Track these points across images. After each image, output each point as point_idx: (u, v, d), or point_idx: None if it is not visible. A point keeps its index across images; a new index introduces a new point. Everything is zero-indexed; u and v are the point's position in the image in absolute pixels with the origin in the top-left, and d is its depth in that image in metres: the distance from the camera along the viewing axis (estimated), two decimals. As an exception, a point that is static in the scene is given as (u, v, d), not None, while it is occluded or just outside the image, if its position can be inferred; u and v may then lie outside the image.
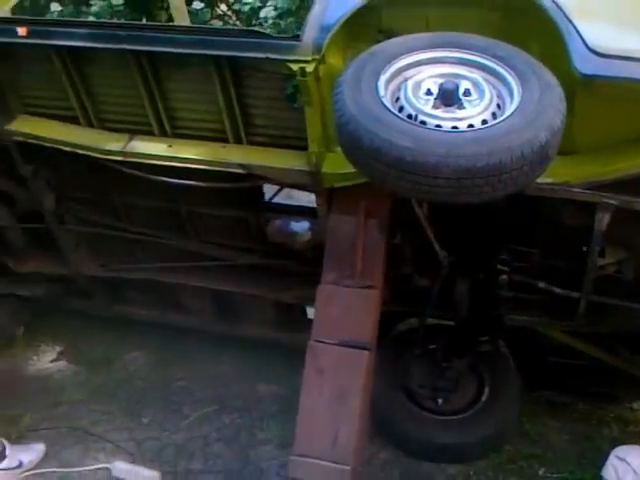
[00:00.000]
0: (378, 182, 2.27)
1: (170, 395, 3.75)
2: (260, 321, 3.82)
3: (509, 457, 3.34)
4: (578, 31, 2.34)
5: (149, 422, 3.55)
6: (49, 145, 3.15)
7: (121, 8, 7.34)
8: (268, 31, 8.21)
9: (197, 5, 7.71)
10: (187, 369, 3.92)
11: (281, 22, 8.39)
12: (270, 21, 8.42)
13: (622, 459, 2.62)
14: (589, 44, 2.32)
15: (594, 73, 2.31)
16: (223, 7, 8.72)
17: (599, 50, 2.31)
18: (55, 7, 6.48)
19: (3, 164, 3.40)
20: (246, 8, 8.52)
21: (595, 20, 2.42)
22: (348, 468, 2.72)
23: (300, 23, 8.44)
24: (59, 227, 3.61)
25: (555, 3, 2.37)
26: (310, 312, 3.64)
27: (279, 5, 7.83)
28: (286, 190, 3.20)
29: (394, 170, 2.11)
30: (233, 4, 8.78)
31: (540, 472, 3.26)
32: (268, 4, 7.99)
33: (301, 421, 2.81)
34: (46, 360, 4.08)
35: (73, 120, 3.18)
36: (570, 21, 2.34)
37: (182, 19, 5.07)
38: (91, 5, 6.86)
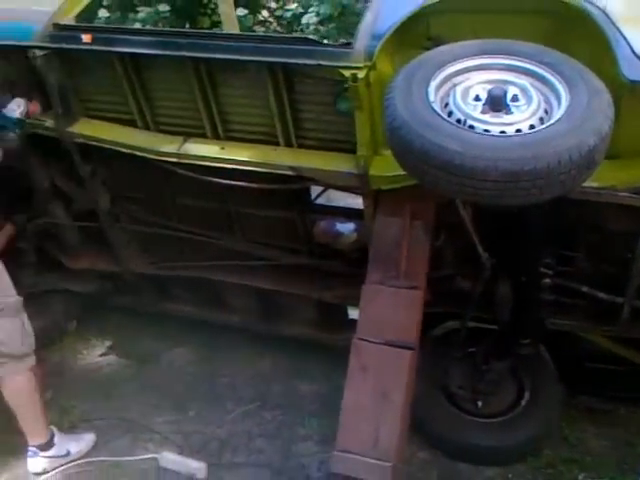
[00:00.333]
0: (427, 184, 2.33)
1: (214, 390, 3.83)
2: (302, 321, 3.89)
3: (548, 461, 3.34)
4: (625, 38, 2.39)
5: (195, 415, 3.64)
6: (108, 147, 3.28)
7: (167, 14, 7.53)
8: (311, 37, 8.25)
9: (241, 12, 7.89)
10: (230, 366, 4.00)
11: (321, 28, 8.49)
12: (311, 27, 8.53)
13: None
14: (636, 50, 2.37)
15: (640, 79, 2.36)
16: (265, 13, 8.86)
17: (646, 57, 2.36)
18: (103, 13, 6.68)
19: (63, 165, 3.56)
20: (288, 14, 8.64)
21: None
22: (389, 465, 2.77)
23: (341, 29, 8.53)
24: (113, 226, 3.74)
25: (602, 10, 2.42)
26: (351, 313, 3.73)
27: (321, 11, 7.95)
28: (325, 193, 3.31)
29: (443, 173, 2.18)
30: (275, 10, 8.93)
31: (580, 477, 3.25)
32: (310, 10, 8.12)
33: (344, 417, 2.86)
34: (95, 354, 4.20)
35: (130, 123, 3.32)
36: (617, 28, 2.39)
37: (231, 25, 5.21)
38: (138, 11, 7.05)
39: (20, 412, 3.14)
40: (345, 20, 8.29)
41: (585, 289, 3.05)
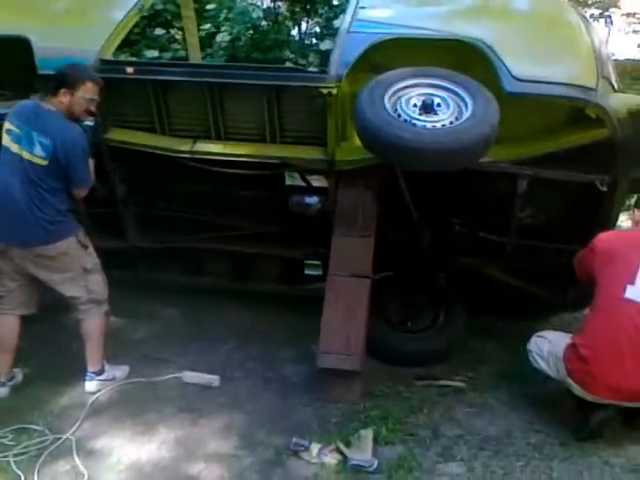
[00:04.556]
0: (386, 160, 3.60)
1: (206, 336, 4.84)
2: (269, 278, 5.04)
3: (459, 361, 4.63)
4: (505, 65, 3.65)
5: (196, 351, 4.63)
6: (136, 148, 4.22)
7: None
8: (221, 53, 9.37)
9: (158, 31, 8.78)
10: (213, 319, 5.05)
11: (231, 45, 9.37)
12: (224, 44, 9.45)
13: (540, 335, 3.91)
14: (512, 73, 3.63)
15: (515, 91, 3.63)
16: (180, 33, 9.67)
17: (518, 76, 3.62)
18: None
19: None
20: (202, 34, 9.55)
21: (515, 57, 3.70)
22: (357, 357, 3.97)
23: (252, 47, 9.52)
24: (123, 210, 4.68)
25: (490, 48, 3.70)
26: (307, 270, 4.96)
27: (234, 31, 8.91)
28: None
29: (398, 153, 3.41)
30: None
31: (482, 369, 4.56)
32: (223, 29, 9.06)
33: (324, 330, 4.01)
34: (97, 316, 5.10)
35: (149, 130, 4.26)
36: (500, 59, 3.66)
37: (195, 53, 6.25)
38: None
39: (90, 345, 4.06)
40: (256, 38, 9.25)
41: (482, 234, 4.38)
